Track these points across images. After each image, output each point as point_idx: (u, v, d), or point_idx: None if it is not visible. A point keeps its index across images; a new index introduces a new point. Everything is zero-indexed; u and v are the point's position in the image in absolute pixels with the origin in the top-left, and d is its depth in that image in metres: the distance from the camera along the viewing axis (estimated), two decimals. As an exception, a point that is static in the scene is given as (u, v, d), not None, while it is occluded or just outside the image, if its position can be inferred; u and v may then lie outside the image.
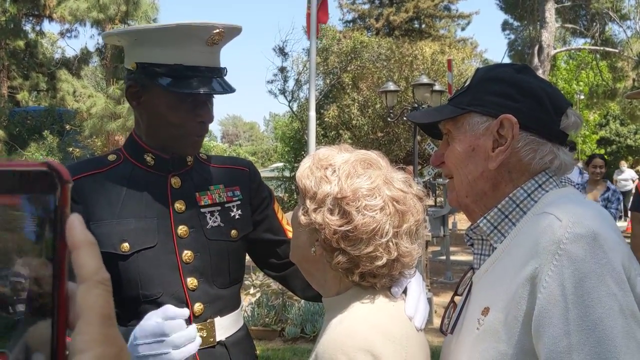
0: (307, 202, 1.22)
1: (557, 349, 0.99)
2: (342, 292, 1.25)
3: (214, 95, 1.73)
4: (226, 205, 1.80)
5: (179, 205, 1.72)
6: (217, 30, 1.63)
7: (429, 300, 7.25)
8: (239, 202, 1.84)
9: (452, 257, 9.83)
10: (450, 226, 10.81)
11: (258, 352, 6.55)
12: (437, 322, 6.56)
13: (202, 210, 1.76)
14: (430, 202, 14.05)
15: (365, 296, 1.22)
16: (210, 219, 1.76)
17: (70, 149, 16.70)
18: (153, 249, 1.65)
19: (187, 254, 1.69)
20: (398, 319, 1.21)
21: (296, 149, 19.90)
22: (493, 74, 1.28)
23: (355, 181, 1.18)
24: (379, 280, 1.21)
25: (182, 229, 1.70)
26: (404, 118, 10.07)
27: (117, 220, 1.64)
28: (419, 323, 1.25)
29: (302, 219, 1.23)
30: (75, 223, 0.51)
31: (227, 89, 1.70)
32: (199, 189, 1.78)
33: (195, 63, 1.63)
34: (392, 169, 1.27)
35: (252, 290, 6.71)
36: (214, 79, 1.68)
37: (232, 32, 1.71)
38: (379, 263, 1.18)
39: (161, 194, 1.71)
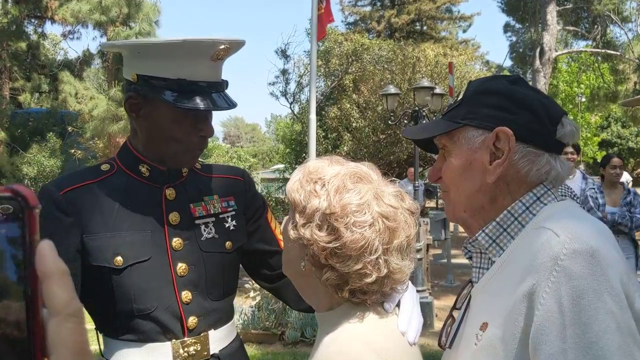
0: (297, 216, 1.19)
1: None
2: (334, 308, 1.24)
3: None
4: (221, 216, 1.79)
5: (174, 217, 1.70)
6: (223, 47, 1.61)
7: (430, 304, 7.24)
8: (233, 213, 1.82)
9: (454, 260, 9.81)
10: (451, 229, 10.80)
11: (258, 356, 6.51)
12: (437, 325, 6.55)
13: (197, 221, 1.74)
14: (432, 204, 14.03)
15: (357, 313, 1.20)
16: (204, 230, 1.74)
17: (72, 150, 16.73)
18: (147, 262, 1.63)
19: (181, 267, 1.68)
20: (391, 335, 1.19)
21: (297, 150, 19.92)
22: (486, 86, 1.27)
23: (344, 196, 1.15)
24: (369, 297, 1.19)
25: (176, 242, 1.68)
26: (405, 121, 10.06)
27: (110, 233, 1.62)
28: (412, 338, 1.23)
29: (291, 233, 1.20)
30: (45, 251, 0.48)
31: (230, 104, 1.68)
32: (193, 200, 1.76)
33: (198, 78, 1.62)
34: (383, 182, 1.23)
35: (252, 294, 6.70)
36: (215, 93, 1.66)
37: (236, 46, 1.69)
38: (369, 280, 1.15)
39: (155, 205, 1.69)
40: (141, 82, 1.63)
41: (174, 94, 1.60)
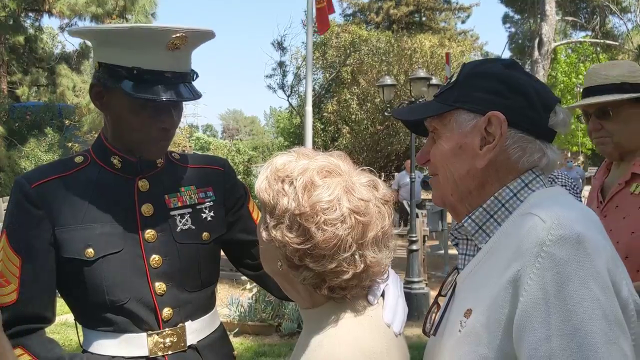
0: (267, 217, 1.17)
1: (538, 354, 0.96)
2: (318, 306, 1.21)
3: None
4: (198, 207, 1.77)
5: (146, 209, 1.69)
6: (178, 35, 1.55)
7: (426, 295, 7.21)
8: (211, 204, 1.80)
9: (451, 252, 9.80)
10: (449, 220, 10.78)
11: (255, 347, 6.52)
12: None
13: (172, 213, 1.73)
14: (430, 196, 14.04)
15: (341, 311, 1.18)
16: (180, 221, 1.73)
17: (70, 144, 16.69)
18: (118, 254, 1.63)
19: (154, 259, 1.67)
20: (377, 331, 1.17)
21: (296, 143, 19.93)
22: (481, 69, 1.24)
23: (313, 194, 1.12)
24: (349, 292, 1.17)
25: (149, 233, 1.68)
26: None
27: (81, 226, 1.62)
28: (398, 328, 1.21)
29: (264, 235, 1.18)
30: None
31: (191, 96, 1.64)
32: (169, 191, 1.75)
33: (155, 67, 1.57)
34: (355, 171, 1.20)
35: (248, 286, 6.71)
36: (179, 84, 1.62)
37: (199, 36, 1.64)
38: (346, 277, 1.13)
39: (127, 197, 1.69)
40: (103, 70, 1.61)
41: (132, 83, 1.56)
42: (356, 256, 1.12)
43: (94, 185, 1.67)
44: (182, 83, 1.62)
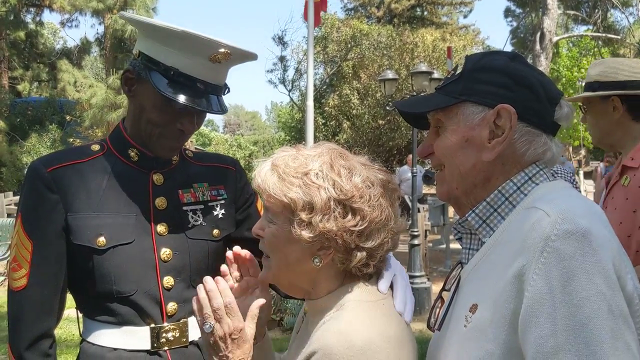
0: (302, 215, 1.16)
1: (544, 350, 0.96)
2: (332, 291, 1.24)
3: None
4: (209, 204, 1.79)
5: (160, 203, 1.70)
6: (223, 50, 1.60)
7: (428, 290, 7.18)
8: (222, 202, 1.82)
9: (452, 246, 9.81)
10: (450, 214, 10.79)
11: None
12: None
13: (184, 208, 1.74)
14: (432, 190, 14.04)
15: (354, 298, 1.20)
16: (192, 217, 1.74)
17: (71, 139, 16.71)
18: (130, 245, 1.64)
19: (165, 252, 1.68)
20: (390, 317, 1.20)
21: (297, 138, 19.93)
22: (486, 62, 1.24)
23: (351, 178, 1.18)
24: (378, 261, 1.24)
25: (161, 227, 1.69)
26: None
27: (94, 214, 1.63)
28: (409, 318, 1.24)
29: (305, 234, 1.17)
30: None
31: (216, 109, 1.67)
32: (182, 186, 1.76)
33: (192, 73, 1.61)
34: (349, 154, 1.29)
35: (251, 281, 6.71)
36: (209, 94, 1.65)
37: (242, 56, 1.68)
38: (388, 247, 1.22)
39: (142, 190, 1.70)
40: (141, 60, 1.65)
41: (164, 80, 1.60)
42: (393, 223, 1.23)
43: (109, 175, 1.68)
44: (211, 94, 1.66)
